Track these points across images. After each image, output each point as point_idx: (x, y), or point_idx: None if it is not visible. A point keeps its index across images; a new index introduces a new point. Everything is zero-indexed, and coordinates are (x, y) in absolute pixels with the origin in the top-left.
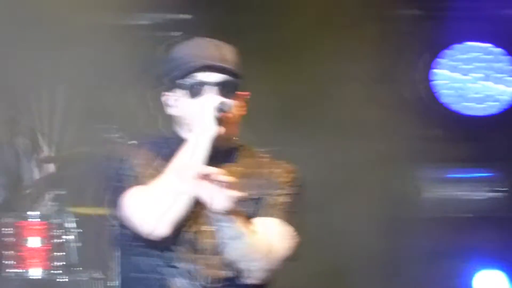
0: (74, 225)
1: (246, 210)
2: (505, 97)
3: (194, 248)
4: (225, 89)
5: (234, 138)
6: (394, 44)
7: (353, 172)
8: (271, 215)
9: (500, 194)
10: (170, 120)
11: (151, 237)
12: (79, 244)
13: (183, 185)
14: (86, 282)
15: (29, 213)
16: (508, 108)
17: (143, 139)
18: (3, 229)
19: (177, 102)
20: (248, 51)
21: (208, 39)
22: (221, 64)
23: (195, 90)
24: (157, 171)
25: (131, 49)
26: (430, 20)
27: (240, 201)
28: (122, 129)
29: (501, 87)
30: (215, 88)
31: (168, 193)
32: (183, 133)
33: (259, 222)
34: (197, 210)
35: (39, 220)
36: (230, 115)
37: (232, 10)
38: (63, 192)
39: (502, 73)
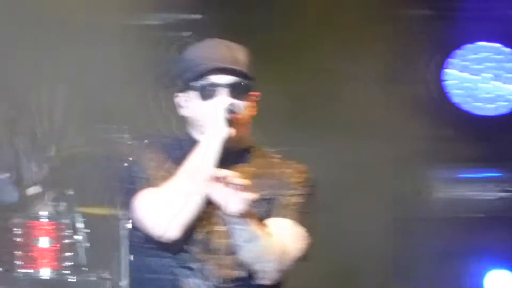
0: (82, 225)
1: (259, 210)
2: None
3: (207, 248)
4: (236, 90)
5: (245, 138)
6: (405, 44)
7: (363, 172)
8: (284, 216)
9: (511, 194)
10: (183, 121)
11: (163, 240)
12: (88, 244)
13: (196, 187)
14: (95, 282)
15: (38, 213)
16: None
17: (155, 140)
18: (12, 229)
19: (189, 103)
20: (258, 51)
21: (220, 40)
22: (232, 66)
23: (206, 92)
24: (169, 173)
25: (141, 49)
26: (441, 20)
27: (253, 203)
28: (131, 129)
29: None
30: (227, 90)
31: (180, 195)
32: (196, 134)
33: (272, 223)
34: (209, 211)
35: (48, 220)
36: (241, 116)
37: (242, 10)
38: (71, 192)
39: None
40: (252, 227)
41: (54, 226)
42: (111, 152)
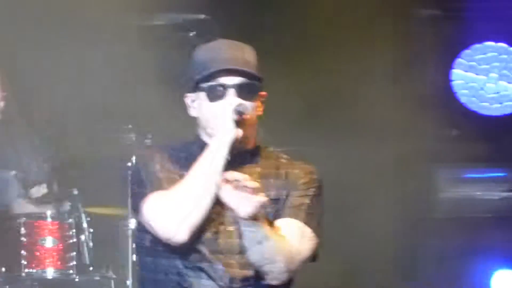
0: (86, 225)
1: (267, 211)
2: None
3: (216, 248)
4: (245, 91)
5: (252, 139)
6: (412, 44)
7: (369, 172)
8: (292, 216)
9: None
10: (193, 121)
11: (171, 243)
12: (92, 244)
13: (206, 190)
14: (99, 281)
15: (42, 213)
16: None
17: (163, 142)
18: (17, 229)
19: (197, 104)
20: (264, 51)
21: (228, 40)
22: (241, 68)
23: (215, 93)
24: (178, 176)
25: (146, 49)
26: (448, 20)
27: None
28: (136, 129)
29: None
30: (235, 91)
31: (189, 198)
32: (204, 135)
33: (281, 223)
34: (218, 211)
35: (52, 220)
36: (249, 117)
37: (249, 10)
38: (76, 192)
39: None
40: (263, 228)
41: (58, 226)
42: (118, 153)
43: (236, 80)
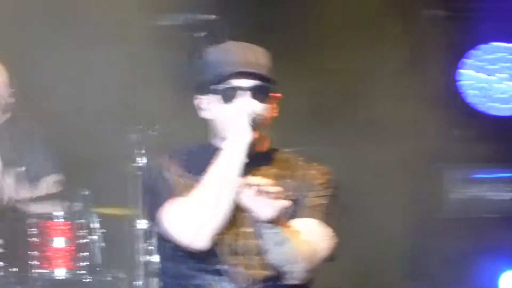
0: (98, 225)
1: (284, 212)
2: None
3: (234, 250)
4: (258, 94)
5: (267, 140)
6: (420, 45)
7: (377, 172)
8: (309, 216)
9: None
10: (204, 123)
11: (192, 249)
12: (103, 244)
13: (225, 195)
14: (110, 282)
15: (54, 213)
16: None
17: (177, 147)
18: (28, 229)
19: (210, 106)
20: (273, 51)
21: (241, 42)
22: (254, 70)
23: (228, 96)
24: (194, 181)
25: (159, 49)
26: (456, 20)
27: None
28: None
29: None
30: (249, 93)
31: (207, 204)
32: (217, 138)
33: (299, 223)
34: (236, 213)
35: (63, 220)
36: (263, 119)
37: (259, 10)
38: (87, 193)
39: None
40: (282, 230)
41: (69, 226)
42: (127, 152)
43: (251, 82)
